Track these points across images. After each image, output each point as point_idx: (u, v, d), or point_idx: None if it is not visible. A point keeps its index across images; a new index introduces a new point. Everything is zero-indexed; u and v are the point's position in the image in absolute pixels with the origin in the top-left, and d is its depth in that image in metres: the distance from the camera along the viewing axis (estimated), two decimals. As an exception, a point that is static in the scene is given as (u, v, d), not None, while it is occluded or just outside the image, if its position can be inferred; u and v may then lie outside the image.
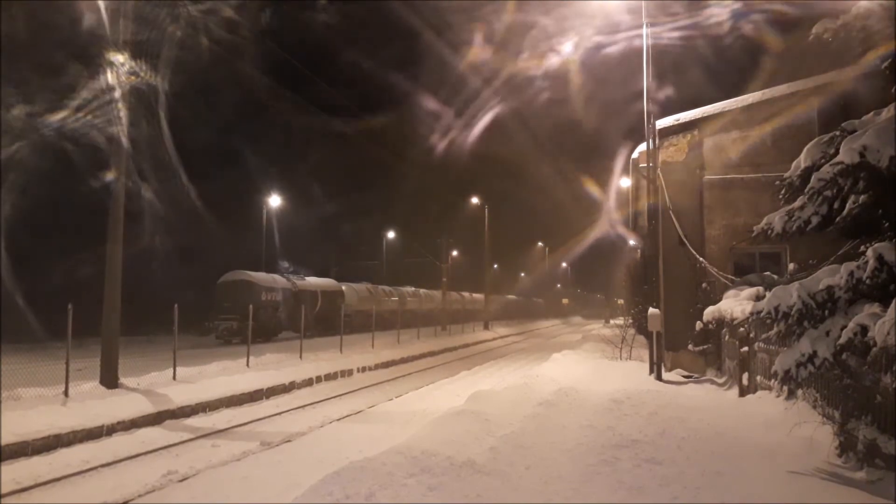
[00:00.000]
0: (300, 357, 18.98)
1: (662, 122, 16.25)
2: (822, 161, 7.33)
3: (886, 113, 7.05)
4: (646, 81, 15.16)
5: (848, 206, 7.03)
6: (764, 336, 9.90)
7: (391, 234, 63.78)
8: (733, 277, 14.70)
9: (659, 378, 14.43)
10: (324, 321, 32.53)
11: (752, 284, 13.37)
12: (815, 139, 7.85)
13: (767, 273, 14.07)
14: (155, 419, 11.63)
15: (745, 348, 11.61)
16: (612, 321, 56.22)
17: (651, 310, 15.21)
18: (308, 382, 17.05)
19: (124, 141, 12.84)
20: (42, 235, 31.55)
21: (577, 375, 14.95)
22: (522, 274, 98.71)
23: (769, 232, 7.98)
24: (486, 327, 46.33)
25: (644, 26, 15.05)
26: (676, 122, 16.36)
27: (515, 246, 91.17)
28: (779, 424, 8.28)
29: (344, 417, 12.76)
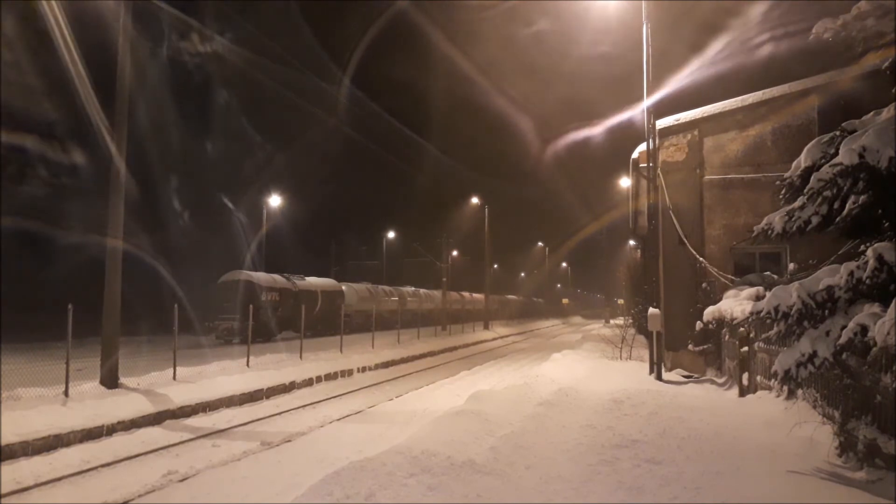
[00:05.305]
0: (300, 357, 18.98)
1: (662, 122, 16.26)
2: (823, 161, 7.32)
3: (886, 113, 7.04)
4: (646, 81, 15.16)
5: (848, 206, 7.01)
6: (764, 336, 9.90)
7: (391, 234, 63.82)
8: (733, 277, 14.71)
9: (659, 378, 14.43)
10: (324, 321, 32.53)
11: (752, 284, 13.38)
12: (816, 139, 7.83)
13: (767, 273, 14.09)
14: (155, 419, 11.63)
15: (745, 348, 11.61)
16: (612, 321, 56.29)
17: (651, 310, 15.21)
18: (308, 382, 17.06)
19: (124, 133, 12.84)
20: (42, 234, 31.55)
21: (577, 375, 14.95)
22: (522, 274, 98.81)
23: (769, 232, 7.96)
24: (486, 327, 46.34)
25: (644, 26, 15.06)
26: (676, 122, 16.37)
27: (516, 246, 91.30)
28: (779, 424, 8.28)
29: (344, 417, 12.77)
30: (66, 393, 11.02)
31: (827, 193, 7.10)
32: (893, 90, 7.17)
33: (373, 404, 14.41)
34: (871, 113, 7.38)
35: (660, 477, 6.52)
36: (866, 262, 6.23)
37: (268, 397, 14.97)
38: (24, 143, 29.14)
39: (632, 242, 44.71)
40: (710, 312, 13.47)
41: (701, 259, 15.32)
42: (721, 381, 13.83)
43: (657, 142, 16.04)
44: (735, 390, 11.87)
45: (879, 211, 6.92)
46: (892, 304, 5.50)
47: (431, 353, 27.89)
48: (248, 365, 16.68)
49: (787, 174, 7.99)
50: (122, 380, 12.69)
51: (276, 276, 32.56)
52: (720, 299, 13.59)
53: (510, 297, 76.56)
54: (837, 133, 7.38)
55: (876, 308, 5.97)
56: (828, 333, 6.33)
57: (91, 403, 10.93)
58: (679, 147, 16.33)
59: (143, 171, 33.45)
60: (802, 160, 7.68)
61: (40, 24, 12.33)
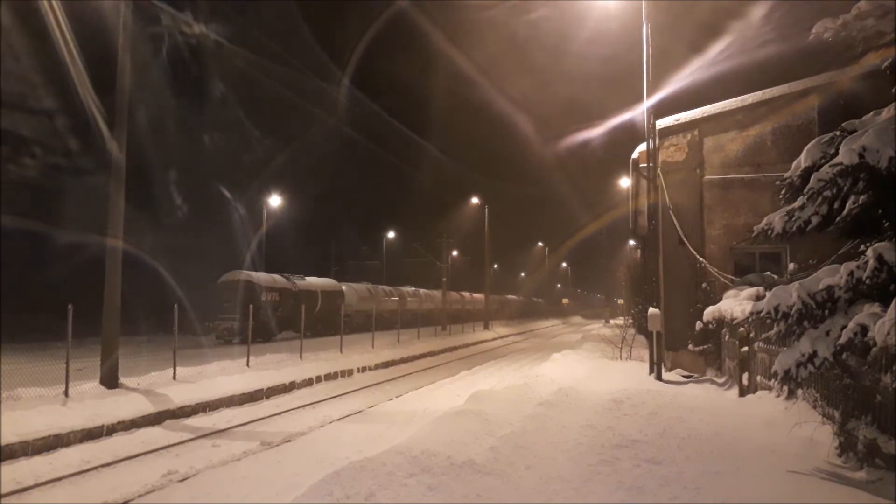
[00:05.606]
0: (300, 357, 18.98)
1: (662, 122, 16.26)
2: (823, 161, 7.32)
3: (886, 113, 7.03)
4: (645, 81, 15.16)
5: (848, 206, 7.01)
6: (764, 336, 9.90)
7: (391, 234, 63.84)
8: (733, 277, 14.71)
9: (659, 378, 14.43)
10: (324, 321, 32.53)
11: (752, 284, 13.38)
12: (816, 139, 7.83)
13: (767, 273, 14.09)
14: (155, 419, 11.63)
15: (745, 348, 11.61)
16: (612, 321, 56.34)
17: (651, 310, 15.21)
18: (308, 382, 17.05)
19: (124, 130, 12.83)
20: (41, 234, 31.56)
21: (577, 375, 14.95)
22: (522, 274, 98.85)
23: (769, 232, 7.97)
24: (486, 327, 46.34)
25: (644, 26, 15.05)
26: (676, 122, 16.37)
27: (516, 246, 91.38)
28: (779, 424, 8.28)
29: (344, 417, 12.77)
30: (66, 393, 11.03)
31: (827, 193, 7.10)
32: (893, 90, 7.16)
33: (373, 404, 14.41)
34: (871, 113, 7.37)
35: (660, 477, 6.52)
36: (866, 262, 6.22)
37: (268, 397, 14.97)
38: (21, 132, 29.03)
39: (632, 242, 44.73)
40: (710, 312, 13.47)
41: (701, 259, 15.32)
42: (721, 381, 13.83)
43: (657, 142, 16.04)
44: (735, 390, 11.87)
45: (879, 211, 6.92)
46: (892, 304, 5.50)
47: (431, 353, 27.89)
48: (248, 365, 16.68)
49: (787, 174, 8.00)
50: (122, 380, 12.69)
51: (276, 276, 32.57)
52: (720, 299, 13.59)
53: (510, 297, 76.56)
54: (837, 133, 7.38)
55: (876, 308, 5.97)
56: (828, 333, 6.33)
57: (91, 403, 10.93)
58: (679, 147, 16.34)
59: (144, 171, 33.47)
60: (802, 160, 7.68)
61: (38, 16, 12.31)
